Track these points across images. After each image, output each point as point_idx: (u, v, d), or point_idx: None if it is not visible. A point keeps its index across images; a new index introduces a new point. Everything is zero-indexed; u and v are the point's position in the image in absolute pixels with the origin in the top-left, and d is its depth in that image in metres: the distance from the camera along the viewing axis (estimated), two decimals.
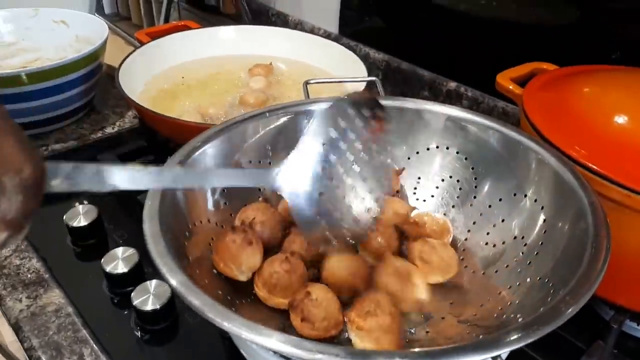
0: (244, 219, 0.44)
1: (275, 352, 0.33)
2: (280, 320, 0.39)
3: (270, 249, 0.44)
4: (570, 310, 0.30)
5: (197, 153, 0.43)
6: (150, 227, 0.34)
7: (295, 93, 0.77)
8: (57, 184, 0.29)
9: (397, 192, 0.51)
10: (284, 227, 0.45)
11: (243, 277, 0.40)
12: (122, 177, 0.31)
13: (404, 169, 0.50)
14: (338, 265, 0.41)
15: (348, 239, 0.40)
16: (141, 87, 0.74)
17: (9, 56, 0.88)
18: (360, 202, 0.40)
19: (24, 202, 0.26)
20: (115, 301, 0.53)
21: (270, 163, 0.50)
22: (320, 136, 0.39)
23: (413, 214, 0.48)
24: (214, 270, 0.40)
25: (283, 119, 0.50)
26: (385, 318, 0.36)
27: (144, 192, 0.62)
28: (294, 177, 0.38)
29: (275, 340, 0.26)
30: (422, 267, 0.43)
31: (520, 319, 0.35)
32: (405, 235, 0.47)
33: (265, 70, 0.81)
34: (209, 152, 0.44)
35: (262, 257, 0.42)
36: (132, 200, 0.64)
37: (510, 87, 0.56)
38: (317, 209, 0.39)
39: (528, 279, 0.40)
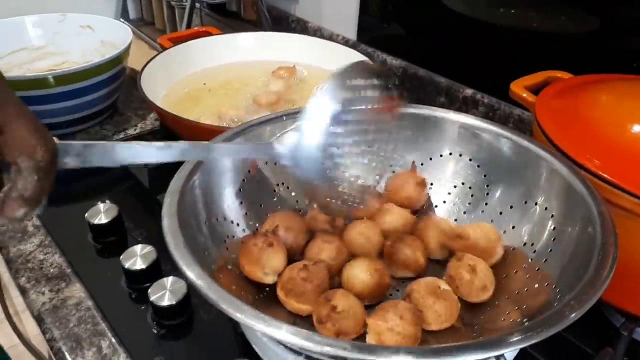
0: (269, 226, 0.45)
1: (285, 346, 0.34)
2: (300, 325, 0.40)
3: (294, 254, 0.45)
4: (574, 314, 0.30)
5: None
6: (169, 223, 0.35)
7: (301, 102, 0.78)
8: (69, 161, 0.31)
9: (422, 206, 0.52)
10: (309, 235, 0.47)
11: (269, 279, 0.42)
12: (130, 152, 0.32)
13: (423, 179, 0.51)
14: (359, 272, 0.43)
15: (350, 201, 0.41)
16: (163, 92, 0.76)
17: (37, 59, 0.91)
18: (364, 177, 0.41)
19: (39, 180, 0.29)
20: (133, 296, 0.55)
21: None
22: (328, 104, 0.38)
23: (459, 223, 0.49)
24: (228, 266, 0.41)
25: (298, 122, 0.52)
26: (407, 327, 0.37)
27: (162, 192, 0.66)
28: (299, 147, 0.38)
29: (284, 332, 0.27)
30: (456, 289, 0.43)
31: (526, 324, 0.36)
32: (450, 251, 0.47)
33: (288, 72, 0.83)
34: None
35: (285, 259, 0.43)
36: (151, 200, 0.66)
37: (524, 94, 0.57)
38: (321, 177, 0.39)
39: (536, 285, 0.40)
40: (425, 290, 0.40)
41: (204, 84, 0.81)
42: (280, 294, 0.41)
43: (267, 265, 0.41)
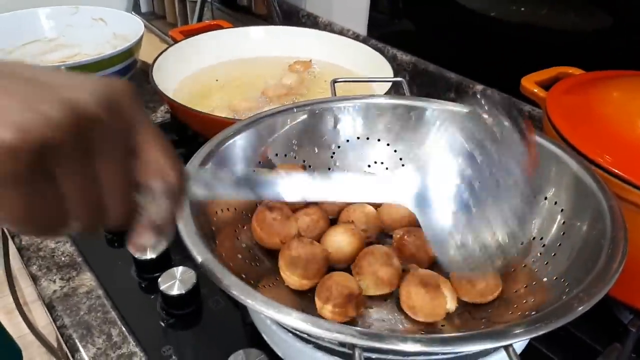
0: None
1: (294, 334, 0.35)
2: (301, 303, 0.41)
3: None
4: (582, 307, 0.31)
5: (226, 144, 0.45)
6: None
7: (321, 91, 0.79)
8: (197, 191, 0.29)
9: None
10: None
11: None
12: (269, 187, 0.29)
13: None
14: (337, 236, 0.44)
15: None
16: (174, 84, 0.77)
17: (49, 51, 0.92)
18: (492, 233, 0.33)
19: (170, 206, 0.27)
20: (143, 286, 0.55)
21: (295, 157, 0.52)
22: (453, 145, 0.32)
23: None
24: (239, 256, 0.41)
25: (309, 115, 0.52)
26: (382, 254, 0.41)
27: None
28: (425, 191, 0.32)
29: (294, 318, 0.28)
30: (462, 288, 0.43)
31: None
32: None
33: (304, 66, 0.84)
34: (238, 143, 0.46)
35: (297, 226, 0.45)
36: None
37: (535, 90, 0.57)
38: (450, 226, 0.32)
39: (544, 279, 0.40)
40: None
41: (217, 80, 0.82)
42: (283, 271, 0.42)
43: (286, 234, 0.44)
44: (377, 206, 0.51)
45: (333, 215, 0.50)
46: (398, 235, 0.47)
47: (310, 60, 0.85)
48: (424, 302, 0.39)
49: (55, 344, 1.08)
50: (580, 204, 0.42)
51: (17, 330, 1.46)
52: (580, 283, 0.34)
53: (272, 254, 0.44)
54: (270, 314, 0.28)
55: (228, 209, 0.44)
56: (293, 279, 0.40)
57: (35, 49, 0.91)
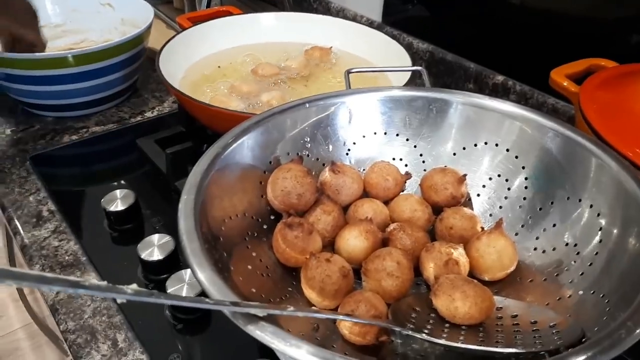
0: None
1: None
2: (315, 320, 0.38)
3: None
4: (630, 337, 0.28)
5: (233, 146, 0.42)
6: (185, 225, 0.33)
7: (324, 76, 0.76)
8: None
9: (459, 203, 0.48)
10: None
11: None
12: None
13: (466, 175, 0.47)
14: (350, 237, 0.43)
15: None
16: (182, 74, 0.74)
17: (55, 37, 0.89)
18: None
19: None
20: (150, 288, 0.53)
21: (308, 155, 0.49)
22: None
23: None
24: (249, 267, 0.39)
25: (322, 110, 0.49)
26: (392, 263, 0.38)
27: (180, 178, 0.64)
28: None
29: (304, 352, 0.25)
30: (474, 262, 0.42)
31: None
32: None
33: (321, 53, 0.80)
34: (247, 144, 0.43)
35: (320, 239, 0.43)
36: (169, 186, 0.64)
37: (565, 84, 0.53)
38: None
39: (580, 292, 0.37)
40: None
41: (221, 65, 0.79)
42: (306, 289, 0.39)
43: (312, 249, 0.41)
44: (386, 202, 0.48)
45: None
46: (390, 228, 0.44)
47: (331, 48, 0.81)
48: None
49: (60, 336, 1.07)
50: (621, 211, 0.38)
51: (23, 318, 1.46)
52: (626, 304, 0.31)
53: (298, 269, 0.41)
54: (279, 347, 0.26)
55: (237, 215, 0.41)
56: (313, 298, 0.38)
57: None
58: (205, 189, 0.38)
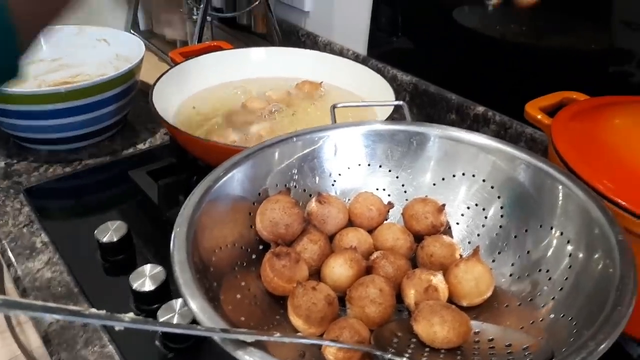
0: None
1: None
2: (301, 346, 0.40)
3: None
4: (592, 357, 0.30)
5: (224, 179, 0.44)
6: (178, 255, 0.35)
7: (312, 109, 0.79)
8: None
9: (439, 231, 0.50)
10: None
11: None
12: None
13: (445, 205, 0.50)
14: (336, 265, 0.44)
15: None
16: (175, 108, 0.76)
17: (52, 71, 0.92)
18: None
19: None
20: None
21: (295, 186, 0.51)
22: None
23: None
24: (238, 296, 0.40)
25: (309, 144, 0.51)
26: (375, 290, 0.40)
27: (172, 209, 0.65)
28: None
29: None
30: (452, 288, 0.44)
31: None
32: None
33: (310, 87, 0.84)
34: (237, 177, 0.45)
35: (307, 267, 0.44)
36: (160, 217, 0.66)
37: (539, 116, 0.56)
38: None
39: (551, 315, 0.39)
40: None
41: (210, 100, 0.81)
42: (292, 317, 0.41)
43: (299, 277, 0.43)
44: (371, 230, 0.50)
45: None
46: (374, 256, 0.46)
47: (321, 83, 0.84)
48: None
49: None
50: (588, 237, 0.41)
51: (9, 351, 1.44)
52: (590, 324, 0.33)
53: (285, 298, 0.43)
54: None
55: (227, 245, 0.43)
56: (300, 325, 0.40)
57: (38, 69, 0.90)
58: (197, 221, 0.40)
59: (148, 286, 0.54)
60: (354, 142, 0.53)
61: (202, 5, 0.96)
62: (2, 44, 0.39)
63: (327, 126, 0.53)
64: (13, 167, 0.77)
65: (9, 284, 0.89)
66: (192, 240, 0.37)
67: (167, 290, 0.55)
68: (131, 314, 0.28)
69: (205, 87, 0.83)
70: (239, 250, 0.45)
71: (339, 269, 0.44)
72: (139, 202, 0.70)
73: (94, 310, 0.26)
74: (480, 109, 0.80)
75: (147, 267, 0.56)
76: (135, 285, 0.54)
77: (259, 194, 0.48)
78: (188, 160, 0.74)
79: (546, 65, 0.71)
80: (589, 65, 0.66)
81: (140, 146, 0.84)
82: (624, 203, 0.42)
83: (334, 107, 0.58)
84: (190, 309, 0.32)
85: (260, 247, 0.47)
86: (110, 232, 0.61)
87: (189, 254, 0.36)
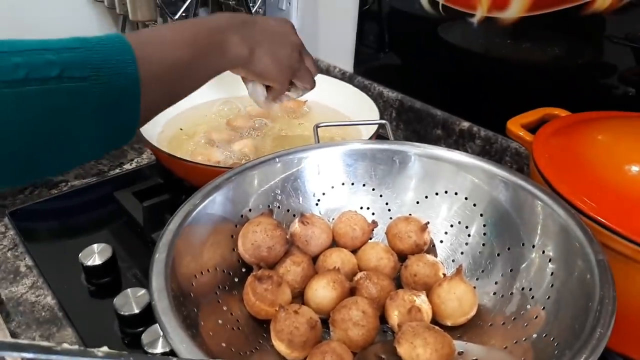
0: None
1: None
2: None
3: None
4: None
5: (204, 203, 0.44)
6: (156, 283, 0.35)
7: (297, 126, 0.79)
8: None
9: (422, 250, 0.50)
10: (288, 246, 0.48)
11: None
12: None
13: (428, 223, 0.50)
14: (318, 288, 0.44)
15: None
16: (159, 128, 0.76)
17: None
18: None
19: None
20: (126, 341, 0.54)
21: (279, 207, 0.51)
22: None
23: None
24: (219, 321, 0.40)
25: (291, 164, 0.51)
26: (358, 313, 0.40)
27: (157, 230, 0.65)
28: None
29: None
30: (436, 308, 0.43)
31: None
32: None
33: (295, 104, 0.85)
34: (218, 200, 0.45)
35: (289, 290, 0.44)
36: (145, 239, 0.66)
37: (521, 133, 0.57)
38: None
39: (534, 335, 0.39)
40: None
41: (195, 119, 0.81)
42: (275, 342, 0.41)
43: (281, 301, 0.43)
44: (355, 250, 0.50)
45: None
46: (357, 277, 0.46)
47: (306, 101, 0.84)
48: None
49: None
50: (568, 256, 0.41)
51: None
52: (570, 344, 0.33)
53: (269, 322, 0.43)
54: None
55: (209, 270, 0.43)
56: (282, 350, 0.39)
57: None
58: (176, 247, 0.39)
59: (132, 310, 0.54)
60: (336, 162, 0.53)
61: None
62: (132, 114, 0.43)
63: (309, 146, 0.53)
64: None
65: None
66: (170, 267, 0.37)
67: (151, 314, 0.54)
68: (105, 348, 0.27)
69: (191, 105, 0.83)
70: (221, 274, 0.44)
71: (322, 291, 0.44)
72: (125, 224, 0.70)
73: (66, 345, 0.26)
74: (466, 124, 0.81)
75: (132, 291, 0.55)
76: (120, 309, 0.54)
77: (242, 215, 0.48)
78: (174, 180, 0.74)
79: (530, 81, 0.72)
80: (572, 79, 0.67)
81: (127, 166, 0.83)
82: (603, 220, 0.42)
83: (317, 126, 0.58)
84: (168, 340, 0.32)
85: (243, 269, 0.47)
86: (95, 255, 0.61)
87: (167, 281, 0.35)
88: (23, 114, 0.36)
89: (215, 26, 0.52)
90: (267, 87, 0.62)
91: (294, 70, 0.60)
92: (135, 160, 0.85)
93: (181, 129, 0.79)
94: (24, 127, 0.37)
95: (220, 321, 0.40)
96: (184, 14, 0.93)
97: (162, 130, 0.77)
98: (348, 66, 1.00)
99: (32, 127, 0.37)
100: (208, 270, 0.43)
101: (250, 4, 1.02)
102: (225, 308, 0.42)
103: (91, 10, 1.20)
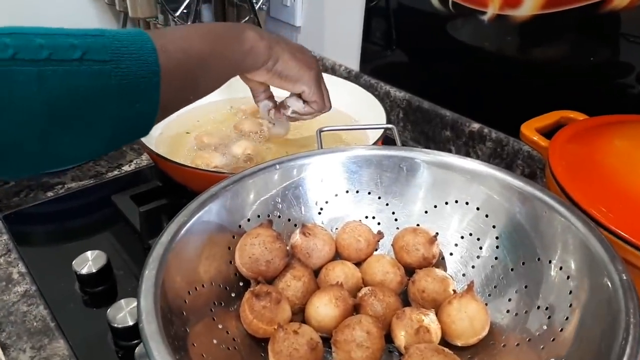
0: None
1: None
2: None
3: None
4: None
5: (201, 212, 0.41)
6: (145, 304, 0.32)
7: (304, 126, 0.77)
8: None
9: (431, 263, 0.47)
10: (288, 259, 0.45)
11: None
12: None
13: (437, 234, 0.47)
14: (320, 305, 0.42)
15: None
16: (158, 130, 0.74)
17: None
18: None
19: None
20: (120, 355, 0.51)
21: (279, 216, 0.49)
22: None
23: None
24: (214, 341, 0.37)
25: (293, 171, 0.49)
26: (362, 334, 0.38)
27: (154, 237, 0.63)
28: None
29: None
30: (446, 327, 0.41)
31: None
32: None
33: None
34: (214, 209, 0.43)
35: (289, 307, 0.42)
36: (142, 245, 0.63)
37: (535, 138, 0.54)
38: None
39: (552, 359, 0.36)
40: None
41: (198, 120, 0.79)
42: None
43: (280, 319, 0.40)
44: (358, 263, 0.48)
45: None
46: (361, 293, 0.44)
47: None
48: None
49: None
50: (589, 273, 0.38)
51: None
52: None
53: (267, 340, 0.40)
54: None
55: (204, 285, 0.40)
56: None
57: None
58: (168, 262, 0.37)
59: (127, 322, 0.51)
60: (340, 169, 0.51)
61: (189, 22, 0.94)
62: (151, 103, 0.42)
63: (312, 152, 0.50)
64: None
65: None
66: (160, 286, 0.34)
67: None
68: None
69: (191, 107, 0.80)
70: (217, 289, 0.42)
71: (324, 308, 0.41)
72: (122, 229, 0.68)
73: None
74: (476, 125, 0.78)
75: (126, 301, 0.53)
76: (114, 320, 0.51)
77: (239, 226, 0.45)
78: (174, 183, 0.71)
79: (542, 81, 0.69)
80: (588, 80, 0.64)
81: (126, 168, 0.81)
82: (625, 235, 0.40)
83: (320, 131, 0.55)
84: None
85: (241, 283, 0.44)
86: (89, 262, 0.58)
87: (156, 301, 0.33)
88: (45, 93, 0.36)
89: (231, 24, 0.53)
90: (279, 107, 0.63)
91: (318, 73, 0.60)
92: (134, 161, 0.82)
93: (188, 133, 0.77)
94: (45, 107, 0.37)
95: (215, 341, 0.38)
96: (185, 11, 0.91)
97: (162, 131, 0.74)
98: (354, 64, 0.97)
99: (53, 108, 0.37)
100: (203, 285, 0.40)
101: (254, 0, 1.00)
102: (220, 326, 0.40)
103: (91, 6, 1.18)
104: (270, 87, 0.64)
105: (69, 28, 0.40)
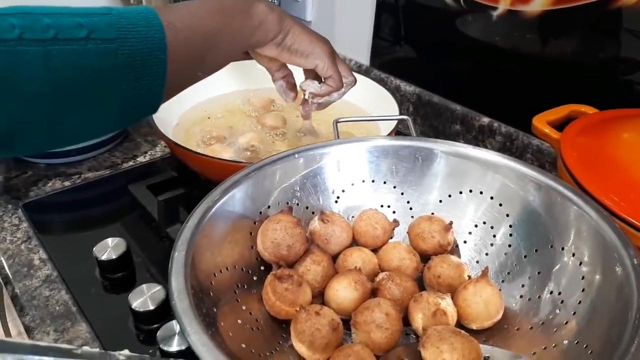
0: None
1: None
2: None
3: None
4: None
5: (224, 199, 0.43)
6: (176, 283, 0.33)
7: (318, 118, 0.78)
8: None
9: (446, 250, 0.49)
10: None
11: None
12: None
13: (452, 222, 0.48)
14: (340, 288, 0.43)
15: None
16: (175, 120, 0.75)
17: None
18: None
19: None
20: (141, 338, 0.53)
21: (298, 204, 0.50)
22: None
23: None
24: (238, 321, 0.39)
25: (311, 160, 0.50)
26: (381, 315, 0.39)
27: (172, 225, 0.64)
28: None
29: None
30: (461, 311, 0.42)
31: None
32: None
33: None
34: (237, 196, 0.44)
35: (310, 290, 0.43)
36: (161, 233, 0.65)
37: (547, 130, 0.55)
38: None
39: (565, 342, 0.38)
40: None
41: (209, 117, 0.80)
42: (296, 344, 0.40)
43: (302, 301, 0.42)
44: (375, 249, 0.49)
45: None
46: (379, 278, 0.45)
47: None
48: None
49: None
50: (602, 260, 0.39)
51: None
52: (605, 354, 0.31)
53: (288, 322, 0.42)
54: None
55: (227, 268, 0.41)
56: (303, 352, 0.38)
57: None
58: (196, 244, 0.38)
59: (147, 306, 0.53)
60: (357, 158, 0.52)
61: None
62: (158, 79, 0.42)
63: (330, 142, 0.52)
64: (11, 181, 0.76)
65: (8, 301, 0.88)
66: (190, 265, 0.36)
67: (167, 310, 0.53)
68: (126, 351, 0.26)
69: (207, 98, 0.82)
70: (240, 272, 0.43)
71: (343, 291, 0.42)
72: (139, 217, 0.69)
73: (86, 348, 0.25)
74: (486, 120, 0.79)
75: (147, 286, 0.54)
76: (135, 305, 0.53)
77: (261, 212, 0.47)
78: (189, 173, 0.73)
79: (552, 76, 0.70)
80: (597, 74, 0.65)
81: (141, 159, 0.82)
82: (637, 223, 0.41)
83: (336, 122, 0.56)
84: (189, 342, 0.31)
85: (262, 268, 0.45)
86: (110, 249, 0.60)
87: (187, 280, 0.34)
88: (51, 73, 0.36)
89: None
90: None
91: (332, 49, 0.57)
92: (149, 152, 0.84)
93: (209, 118, 0.78)
94: (52, 86, 0.37)
95: (239, 321, 0.39)
96: None
97: (178, 122, 0.76)
98: (364, 59, 0.98)
99: (60, 88, 0.37)
100: (227, 268, 0.42)
101: None
102: (244, 307, 0.41)
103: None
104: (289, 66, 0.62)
105: (75, 7, 0.40)
